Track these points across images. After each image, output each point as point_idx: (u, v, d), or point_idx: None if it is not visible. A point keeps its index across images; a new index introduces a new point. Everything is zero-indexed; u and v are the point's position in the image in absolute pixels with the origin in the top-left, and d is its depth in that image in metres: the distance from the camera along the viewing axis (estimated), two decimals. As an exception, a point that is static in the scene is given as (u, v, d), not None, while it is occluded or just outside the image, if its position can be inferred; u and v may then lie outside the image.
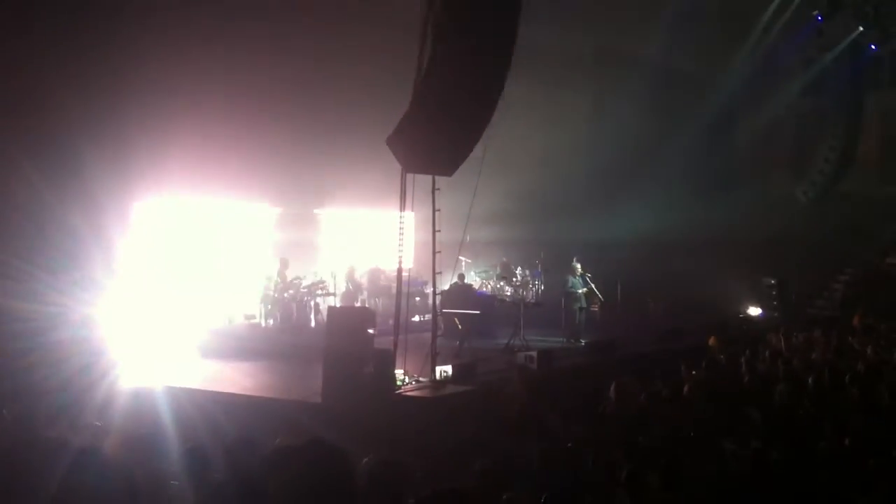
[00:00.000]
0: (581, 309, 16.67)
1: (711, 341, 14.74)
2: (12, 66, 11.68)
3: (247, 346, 14.76)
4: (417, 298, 17.89)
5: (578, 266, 16.86)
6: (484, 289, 20.08)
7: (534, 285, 20.96)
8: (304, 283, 17.19)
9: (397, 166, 11.81)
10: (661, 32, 21.37)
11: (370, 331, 11.52)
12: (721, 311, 19.85)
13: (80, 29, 12.18)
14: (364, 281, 18.99)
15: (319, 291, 17.38)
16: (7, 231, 11.64)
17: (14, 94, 11.71)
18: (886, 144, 25.98)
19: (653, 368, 12.54)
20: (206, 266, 17.15)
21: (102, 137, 12.58)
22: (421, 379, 11.81)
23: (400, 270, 12.39)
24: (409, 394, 11.34)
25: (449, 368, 12.12)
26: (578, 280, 16.68)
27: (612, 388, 10.29)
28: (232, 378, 12.68)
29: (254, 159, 16.12)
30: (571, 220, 20.52)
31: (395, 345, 11.73)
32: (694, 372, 11.90)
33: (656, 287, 20.71)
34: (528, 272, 21.16)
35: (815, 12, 22.25)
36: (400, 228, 12.12)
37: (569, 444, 7.50)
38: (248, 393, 11.65)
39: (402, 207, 11.92)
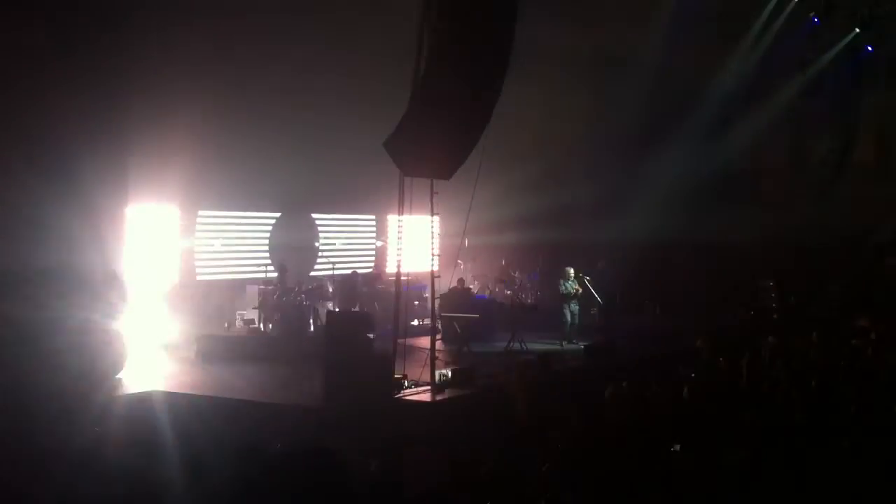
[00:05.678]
0: (573, 313, 16.72)
1: (699, 343, 14.70)
2: (10, 68, 11.66)
3: (246, 351, 14.73)
4: (416, 302, 17.86)
5: (571, 271, 17.00)
6: (483, 292, 20.06)
7: (532, 288, 20.92)
8: (304, 287, 17.16)
9: (396, 170, 11.81)
10: (658, 34, 21.36)
11: (369, 335, 11.51)
12: (720, 313, 19.83)
13: (77, 32, 12.15)
14: (363, 285, 18.95)
15: (318, 296, 17.35)
16: (3, 236, 11.59)
17: (11, 97, 11.68)
18: (883, 146, 25.98)
19: (651, 371, 12.54)
20: (203, 270, 17.14)
21: (100, 142, 12.55)
22: (420, 383, 11.79)
23: (399, 274, 12.37)
24: (408, 398, 11.33)
25: (448, 372, 12.11)
26: (570, 284, 16.76)
27: (608, 392, 10.24)
28: (232, 383, 12.65)
29: (251, 164, 16.11)
30: (570, 224, 20.52)
31: (395, 349, 11.72)
32: (693, 375, 11.88)
33: (655, 290, 20.67)
34: (526, 276, 21.13)
35: (812, 14, 22.28)
36: (399, 232, 12.11)
37: (569, 447, 7.48)
38: (249, 398, 11.62)
39: (401, 211, 11.92)
